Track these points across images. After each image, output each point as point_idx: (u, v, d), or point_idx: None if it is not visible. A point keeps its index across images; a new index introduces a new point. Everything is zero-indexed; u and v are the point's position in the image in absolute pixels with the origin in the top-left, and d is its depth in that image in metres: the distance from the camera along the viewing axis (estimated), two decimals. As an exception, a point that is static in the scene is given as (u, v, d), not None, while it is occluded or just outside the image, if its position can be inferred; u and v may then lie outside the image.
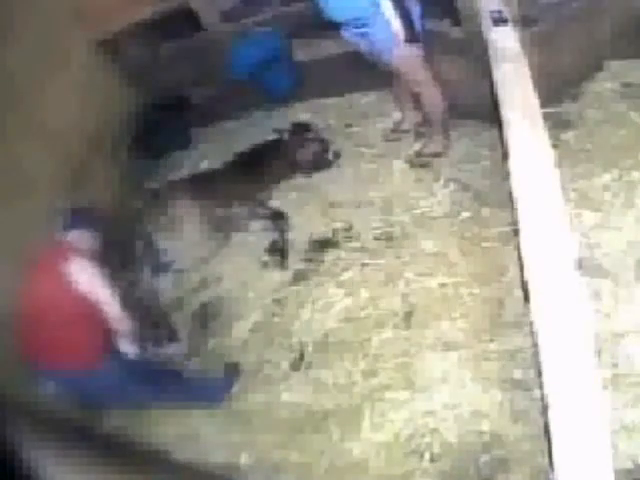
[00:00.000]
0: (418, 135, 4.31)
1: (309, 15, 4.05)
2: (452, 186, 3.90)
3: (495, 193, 3.62)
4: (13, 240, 3.55)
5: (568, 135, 3.77)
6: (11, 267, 3.36)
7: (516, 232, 2.45)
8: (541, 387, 1.88)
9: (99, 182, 4.58)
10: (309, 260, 3.91)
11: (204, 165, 4.95)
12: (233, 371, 3.47)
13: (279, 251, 4.02)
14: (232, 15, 4.97)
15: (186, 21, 4.91)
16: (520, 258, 2.30)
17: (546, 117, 2.73)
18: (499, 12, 3.36)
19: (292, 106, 5.10)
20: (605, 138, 3.67)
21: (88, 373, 3.00)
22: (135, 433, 3.29)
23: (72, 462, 0.78)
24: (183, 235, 4.00)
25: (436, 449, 2.78)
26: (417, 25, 3.58)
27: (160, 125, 5.08)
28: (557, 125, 3.77)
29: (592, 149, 3.65)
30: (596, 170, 3.51)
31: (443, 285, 3.40)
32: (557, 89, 3.89)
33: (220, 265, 4.18)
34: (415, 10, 3.56)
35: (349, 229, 3.97)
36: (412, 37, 3.54)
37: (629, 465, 2.40)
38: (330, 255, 3.87)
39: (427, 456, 2.77)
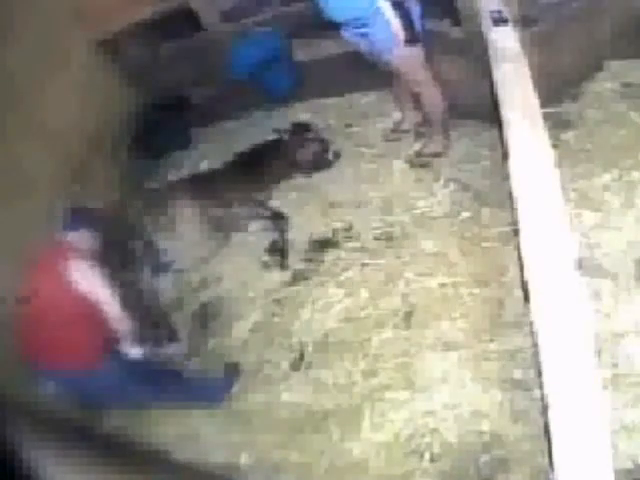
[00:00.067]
0: (418, 135, 4.31)
1: (309, 15, 4.05)
2: (452, 186, 3.90)
3: (495, 193, 3.62)
4: (13, 240, 3.55)
5: (568, 135, 3.77)
6: (11, 267, 3.36)
7: (516, 232, 2.45)
8: (541, 387, 1.88)
9: (99, 182, 4.58)
10: (309, 260, 3.91)
11: (204, 165, 4.95)
12: (233, 371, 3.47)
13: (279, 251, 4.02)
14: (232, 15, 4.97)
15: (186, 21, 4.91)
16: (520, 258, 2.30)
17: (546, 117, 2.73)
18: (499, 12, 3.36)
19: (292, 106, 5.10)
20: (605, 138, 3.67)
21: (88, 373, 3.00)
22: (135, 433, 3.29)
23: (72, 462, 0.78)
24: (183, 235, 4.00)
25: (436, 449, 2.78)
26: (417, 25, 3.58)
27: (160, 125, 5.08)
28: (557, 125, 3.76)
29: (592, 149, 3.65)
30: (596, 170, 3.51)
31: (443, 285, 3.40)
32: (557, 89, 3.89)
33: (220, 265, 4.18)
34: (415, 10, 3.56)
35: (349, 229, 3.97)
36: (412, 38, 3.54)
37: (629, 465, 2.40)
38: (330, 255, 3.87)
39: (427, 456, 2.77)
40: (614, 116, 3.78)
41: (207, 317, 3.91)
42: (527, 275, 2.12)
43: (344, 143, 4.56)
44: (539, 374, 1.94)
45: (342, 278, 3.70)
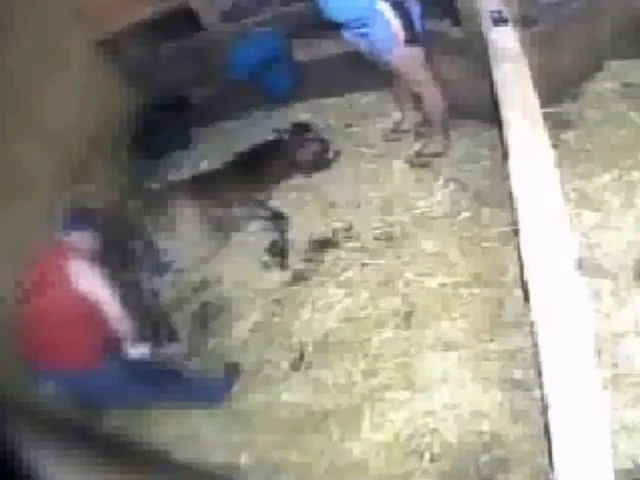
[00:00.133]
0: (418, 135, 4.31)
1: (309, 15, 4.05)
2: (452, 186, 3.90)
3: (495, 193, 3.62)
4: (13, 240, 3.55)
5: (568, 135, 3.77)
6: (11, 267, 3.36)
7: (516, 232, 2.45)
8: (541, 387, 1.88)
9: (99, 182, 4.58)
10: (309, 260, 3.91)
11: (204, 165, 4.95)
12: (233, 371, 3.47)
13: (279, 251, 4.02)
14: (232, 15, 4.97)
15: (186, 21, 4.91)
16: (520, 258, 2.30)
17: (546, 117, 2.73)
18: (499, 12, 3.36)
19: (292, 106, 5.10)
20: (605, 138, 3.67)
21: (88, 373, 3.00)
22: (135, 433, 3.29)
23: (72, 462, 0.78)
24: (183, 235, 4.00)
25: (436, 449, 2.78)
26: (417, 25, 3.58)
27: (160, 125, 5.08)
28: (557, 125, 3.76)
29: (592, 149, 3.65)
30: (596, 170, 3.51)
31: (443, 285, 3.40)
32: (557, 89, 3.89)
33: (220, 265, 4.18)
34: (415, 10, 3.56)
35: (349, 229, 3.97)
36: (412, 38, 3.54)
37: (629, 465, 2.40)
38: (330, 255, 3.87)
39: (427, 456, 2.77)
40: (614, 116, 3.78)
41: (207, 317, 3.91)
42: (527, 275, 2.12)
43: (344, 143, 4.56)
44: (539, 374, 1.94)
45: (342, 278, 3.70)
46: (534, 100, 2.73)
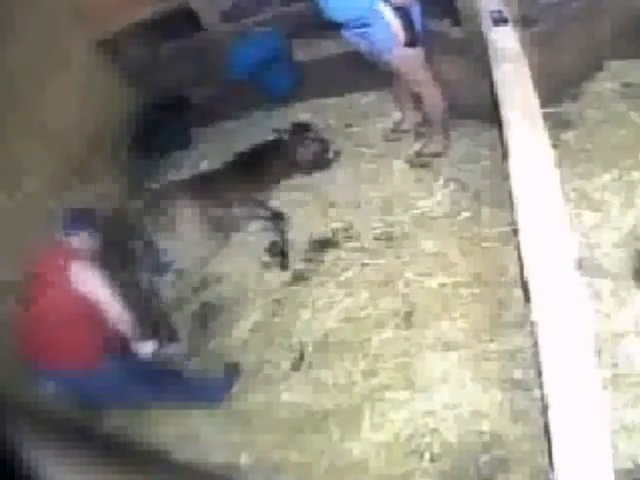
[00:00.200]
0: (418, 135, 4.31)
1: (309, 15, 4.05)
2: (452, 186, 3.90)
3: (495, 193, 3.62)
4: (13, 240, 3.55)
5: (568, 135, 3.77)
6: (11, 267, 3.36)
7: (516, 232, 2.45)
8: (541, 387, 1.88)
9: (99, 182, 4.59)
10: (309, 260, 3.91)
11: (204, 165, 4.95)
12: (233, 371, 3.47)
13: (279, 251, 4.02)
14: (232, 15, 4.97)
15: (186, 21, 4.91)
16: (520, 258, 2.30)
17: (546, 117, 2.73)
18: (499, 12, 3.36)
19: (292, 106, 5.10)
20: (605, 138, 3.67)
21: (88, 373, 3.00)
22: (135, 433, 3.29)
23: (72, 462, 0.78)
24: (183, 235, 4.00)
25: (436, 449, 2.78)
26: (417, 25, 3.57)
27: (160, 125, 5.08)
28: (557, 125, 3.77)
29: (592, 149, 3.65)
30: (596, 170, 3.51)
31: (443, 285, 3.40)
32: (557, 89, 3.89)
33: (220, 265, 4.18)
34: (415, 10, 3.56)
35: (349, 229, 3.97)
36: (412, 39, 3.54)
37: (629, 465, 2.40)
38: (330, 255, 3.87)
39: (427, 456, 2.77)
40: (614, 116, 3.79)
41: (207, 317, 3.91)
42: (527, 275, 2.12)
43: (344, 143, 4.57)
44: (539, 374, 1.94)
45: (342, 278, 3.70)
46: (534, 100, 2.73)
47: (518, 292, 3.00)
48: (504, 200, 3.16)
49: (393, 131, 4.46)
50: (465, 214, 3.70)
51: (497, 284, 3.26)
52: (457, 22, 3.79)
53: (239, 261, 4.15)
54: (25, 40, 4.20)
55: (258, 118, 5.19)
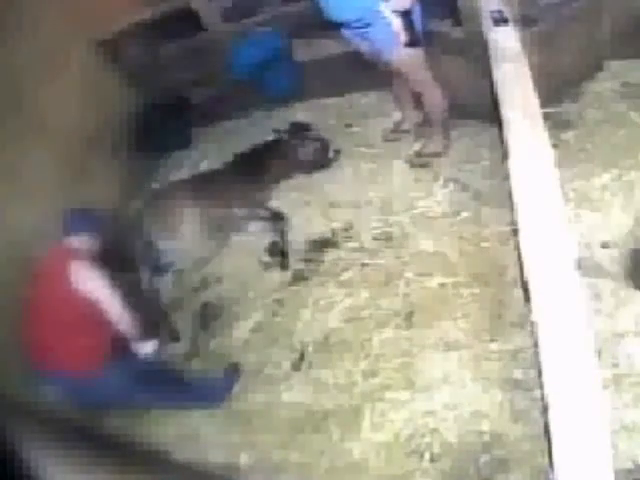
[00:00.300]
0: (418, 135, 4.31)
1: (309, 15, 4.06)
2: (452, 186, 3.91)
3: (495, 193, 3.62)
4: (14, 241, 3.55)
5: (568, 135, 3.77)
6: (12, 269, 3.36)
7: (516, 232, 2.45)
8: (541, 387, 1.88)
9: (99, 182, 4.59)
10: (309, 260, 3.91)
11: (204, 165, 4.95)
12: (234, 371, 3.47)
13: (279, 251, 4.02)
14: (232, 15, 4.97)
15: (186, 21, 4.91)
16: (520, 258, 2.30)
17: (546, 117, 2.73)
18: (499, 12, 3.36)
19: (292, 106, 5.10)
20: (605, 138, 3.67)
21: (90, 374, 3.00)
22: (135, 433, 3.29)
23: (72, 462, 0.78)
24: (183, 235, 4.00)
25: (436, 449, 2.77)
26: (417, 25, 3.57)
27: (160, 125, 5.08)
28: (557, 125, 3.77)
29: (592, 149, 3.65)
30: (596, 170, 3.51)
31: (443, 285, 3.40)
32: (557, 89, 3.89)
33: (220, 265, 4.18)
34: (415, 10, 3.56)
35: (349, 229, 3.97)
36: (413, 39, 3.54)
37: (629, 465, 2.40)
38: (330, 255, 3.87)
39: (427, 456, 2.77)
40: (614, 116, 3.79)
41: (208, 317, 3.91)
42: (527, 275, 2.12)
43: (344, 143, 4.57)
44: (539, 374, 1.94)
45: (342, 278, 3.70)
46: (534, 100, 2.73)
47: (518, 292, 3.00)
48: (504, 200, 3.16)
49: (393, 131, 4.46)
50: (465, 214, 3.70)
51: (497, 284, 3.26)
52: (458, 22, 3.79)
53: (239, 261, 4.14)
54: (25, 40, 4.20)
55: (258, 118, 5.19)
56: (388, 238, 3.79)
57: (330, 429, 3.05)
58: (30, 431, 0.82)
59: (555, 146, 3.15)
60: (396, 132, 4.44)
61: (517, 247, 2.46)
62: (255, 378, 3.43)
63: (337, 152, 4.49)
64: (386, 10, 3.42)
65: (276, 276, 3.93)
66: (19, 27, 4.19)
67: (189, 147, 5.33)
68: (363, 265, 3.71)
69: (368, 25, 3.54)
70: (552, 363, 1.82)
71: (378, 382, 3.12)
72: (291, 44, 4.94)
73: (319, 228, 4.07)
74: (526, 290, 2.19)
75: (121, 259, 3.83)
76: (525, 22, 3.48)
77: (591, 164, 3.55)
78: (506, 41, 3.19)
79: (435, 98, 3.92)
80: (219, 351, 3.68)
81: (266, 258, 4.07)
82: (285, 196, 4.41)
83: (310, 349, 3.43)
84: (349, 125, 4.74)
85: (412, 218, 3.83)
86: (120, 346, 3.14)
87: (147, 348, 3.17)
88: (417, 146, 4.26)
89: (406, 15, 3.48)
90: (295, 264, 3.93)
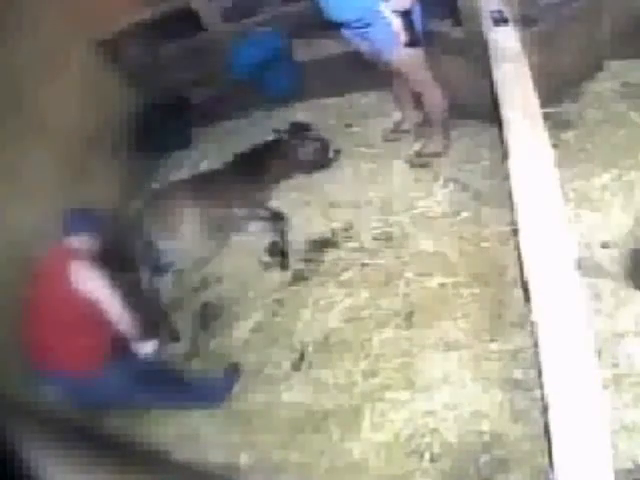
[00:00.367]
0: (418, 135, 4.31)
1: (309, 15, 4.06)
2: (452, 186, 3.91)
3: (495, 193, 3.62)
4: (14, 242, 3.55)
5: (568, 135, 3.77)
6: (12, 269, 3.36)
7: (516, 232, 2.45)
8: (541, 387, 1.88)
9: (99, 182, 4.59)
10: (309, 260, 3.91)
11: (204, 165, 4.95)
12: (234, 371, 3.47)
13: (279, 251, 4.02)
14: (232, 15, 4.97)
15: (186, 21, 4.91)
16: (520, 258, 2.30)
17: (546, 117, 2.73)
18: (499, 12, 3.36)
19: (292, 106, 5.11)
20: (605, 138, 3.67)
21: (90, 374, 3.00)
22: (135, 433, 3.29)
23: (72, 462, 0.78)
24: (183, 235, 4.00)
25: (436, 449, 2.77)
26: (417, 25, 3.57)
27: (160, 125, 5.08)
28: (557, 125, 3.77)
29: (592, 149, 3.65)
30: (596, 170, 3.51)
31: (443, 285, 3.40)
32: (557, 89, 3.89)
33: (220, 265, 4.18)
34: (415, 10, 3.56)
35: (349, 229, 3.97)
36: (413, 40, 3.54)
37: (629, 465, 2.40)
38: (330, 255, 3.87)
39: (427, 456, 2.77)
40: (614, 116, 3.79)
41: (208, 317, 3.91)
42: (527, 275, 2.12)
43: (344, 143, 4.57)
44: (539, 374, 1.94)
45: (342, 278, 3.70)
46: (534, 100, 2.73)
47: (518, 292, 3.00)
48: (504, 200, 3.16)
49: (393, 131, 4.46)
50: (465, 214, 3.70)
51: (497, 284, 3.26)
52: (458, 22, 3.79)
53: (239, 261, 4.14)
54: (25, 40, 4.20)
55: (258, 118, 5.19)
56: (388, 238, 3.79)
57: (330, 429, 3.05)
58: (30, 431, 0.82)
59: (555, 146, 3.15)
60: (396, 132, 4.44)
61: (517, 247, 2.46)
62: (255, 378, 3.43)
63: (337, 152, 4.50)
64: (386, 10, 3.42)
65: (276, 276, 3.93)
66: (19, 27, 4.19)
67: (189, 147, 5.33)
68: (363, 265, 3.71)
69: (368, 25, 3.54)
70: (552, 363, 1.82)
71: (378, 382, 3.12)
72: (291, 44, 4.94)
73: (319, 228, 4.07)
74: (526, 290, 2.19)
75: (121, 259, 3.83)
76: (525, 22, 3.48)
77: (591, 164, 3.55)
78: (506, 41, 3.20)
79: (435, 98, 3.92)
80: (219, 351, 3.68)
81: (266, 258, 4.07)
82: (285, 196, 4.41)
83: (310, 349, 3.43)
84: (349, 125, 4.74)
85: (412, 218, 3.83)
86: (120, 346, 3.14)
87: (146, 348, 3.18)
88: (417, 146, 4.26)
89: (406, 15, 3.48)
90: (295, 264, 3.93)
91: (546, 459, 1.94)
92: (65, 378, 3.01)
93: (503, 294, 3.20)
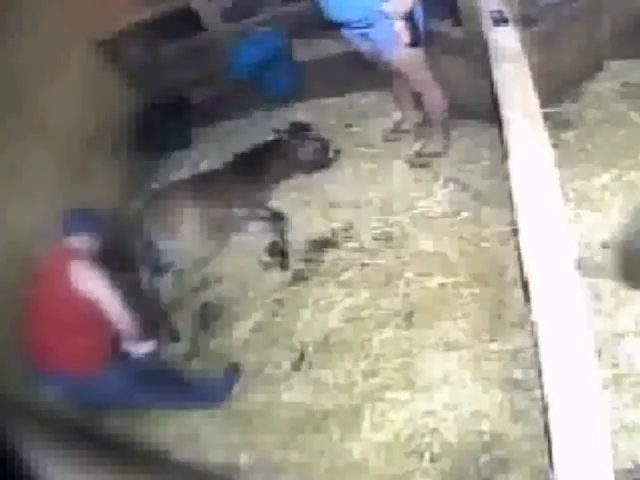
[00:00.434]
0: (418, 135, 4.31)
1: (309, 15, 4.06)
2: (452, 186, 3.91)
3: (495, 193, 3.62)
4: (14, 242, 3.55)
5: (568, 135, 3.77)
6: (12, 269, 3.36)
7: (516, 232, 2.45)
8: (541, 387, 1.88)
9: (99, 182, 4.59)
10: (309, 260, 3.91)
11: (204, 165, 4.95)
12: (234, 371, 3.47)
13: (279, 251, 4.02)
14: (232, 15, 4.97)
15: (186, 21, 4.91)
16: (520, 258, 2.30)
17: (546, 117, 2.73)
18: (499, 12, 3.36)
19: (292, 106, 5.10)
20: (605, 138, 3.67)
21: (90, 374, 3.00)
22: (135, 433, 3.29)
23: (72, 462, 0.77)
24: (183, 235, 4.00)
25: (436, 449, 2.77)
26: (419, 25, 3.57)
27: (160, 125, 5.08)
28: (557, 125, 3.77)
29: (592, 149, 3.65)
30: (596, 170, 3.51)
31: (443, 285, 3.40)
32: (557, 89, 3.89)
33: (220, 265, 4.18)
34: (417, 10, 3.55)
35: (349, 229, 3.97)
36: (415, 40, 3.53)
37: (629, 465, 2.40)
38: (330, 255, 3.87)
39: (427, 456, 2.77)
40: (614, 116, 3.79)
41: (208, 317, 3.91)
42: (527, 275, 2.12)
43: (344, 143, 4.57)
44: (539, 374, 1.94)
45: (342, 278, 3.70)
46: (534, 100, 2.73)
47: (518, 292, 3.00)
48: (504, 200, 3.16)
49: (393, 131, 4.46)
50: (465, 214, 3.70)
51: (497, 284, 3.26)
52: (458, 22, 3.79)
53: (239, 261, 4.14)
54: (25, 40, 4.20)
55: (258, 118, 5.19)
56: (388, 238, 3.79)
57: (330, 429, 3.05)
58: (30, 431, 0.81)
59: (555, 146, 3.15)
60: (396, 132, 4.44)
61: (517, 247, 2.46)
62: (255, 378, 3.43)
63: (337, 152, 4.50)
64: (389, 11, 3.42)
65: (276, 276, 3.93)
66: (19, 27, 4.18)
67: (189, 147, 5.33)
68: (363, 265, 3.71)
69: (369, 25, 3.54)
70: (552, 363, 1.82)
71: (378, 382, 3.12)
72: (291, 44, 4.94)
73: (319, 228, 4.07)
74: (526, 290, 2.19)
75: (121, 259, 3.83)
76: (525, 22, 3.48)
77: (591, 164, 3.55)
78: (506, 41, 3.20)
79: (435, 98, 3.92)
80: (219, 351, 3.68)
81: (266, 258, 4.07)
82: (285, 196, 4.41)
83: (310, 349, 3.43)
84: (349, 125, 4.74)
85: (412, 218, 3.83)
86: (120, 346, 3.14)
87: (146, 348, 3.18)
88: (417, 146, 4.26)
89: (409, 15, 3.47)
90: (295, 264, 3.93)
91: (546, 459, 1.94)
92: (65, 378, 3.01)
93: (503, 294, 3.20)
